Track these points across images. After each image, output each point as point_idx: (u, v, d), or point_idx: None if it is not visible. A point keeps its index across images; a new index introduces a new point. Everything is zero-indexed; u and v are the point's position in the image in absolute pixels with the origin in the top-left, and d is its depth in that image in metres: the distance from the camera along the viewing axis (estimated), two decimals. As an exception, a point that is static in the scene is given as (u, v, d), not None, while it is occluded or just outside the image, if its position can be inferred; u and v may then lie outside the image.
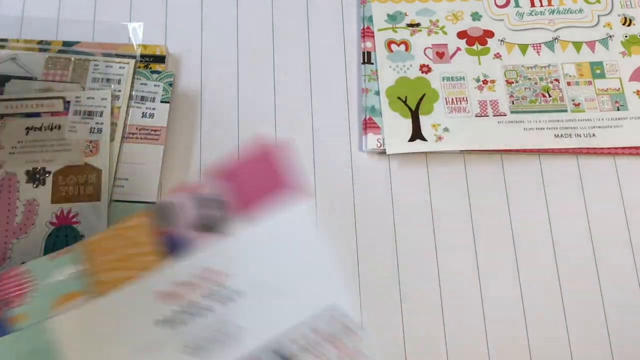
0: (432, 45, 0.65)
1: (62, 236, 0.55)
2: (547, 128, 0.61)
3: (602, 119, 0.61)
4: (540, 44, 0.65)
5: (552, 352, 0.55)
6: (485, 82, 0.63)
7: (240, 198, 0.42)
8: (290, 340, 0.40)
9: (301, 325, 0.40)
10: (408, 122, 0.61)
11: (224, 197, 0.42)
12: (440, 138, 0.60)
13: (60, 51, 0.62)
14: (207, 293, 0.40)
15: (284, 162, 0.43)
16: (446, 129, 0.61)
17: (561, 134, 0.61)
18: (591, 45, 0.65)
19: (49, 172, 0.58)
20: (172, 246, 0.41)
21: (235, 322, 0.40)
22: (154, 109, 0.61)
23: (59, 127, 0.59)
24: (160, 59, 0.63)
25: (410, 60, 0.64)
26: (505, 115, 0.62)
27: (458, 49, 0.65)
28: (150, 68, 0.62)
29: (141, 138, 0.59)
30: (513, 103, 0.62)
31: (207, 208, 0.42)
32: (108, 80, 0.61)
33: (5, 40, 0.63)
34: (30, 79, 0.61)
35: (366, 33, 0.65)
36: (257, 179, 0.42)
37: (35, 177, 0.57)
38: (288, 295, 0.41)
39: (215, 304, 0.40)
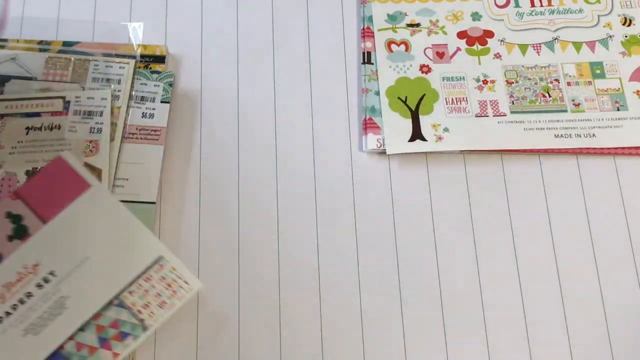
0: (432, 45, 0.65)
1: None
2: (547, 128, 0.61)
3: (602, 119, 0.61)
4: (540, 44, 0.65)
5: (552, 351, 0.55)
6: (485, 82, 0.63)
7: (39, 206, 0.53)
8: (129, 292, 0.51)
9: (136, 279, 0.51)
10: (408, 122, 0.61)
11: (23, 211, 0.53)
12: (440, 138, 0.60)
13: (60, 51, 0.62)
14: (27, 284, 0.51)
15: (67, 170, 0.54)
16: (446, 129, 0.61)
17: (561, 134, 0.61)
18: (591, 45, 0.65)
19: (49, 172, 0.58)
20: None
21: (61, 295, 0.50)
22: (153, 109, 0.61)
23: (59, 127, 0.59)
24: (160, 59, 0.63)
25: (410, 60, 0.64)
26: (505, 115, 0.62)
27: (458, 49, 0.65)
28: (150, 68, 0.62)
29: (141, 138, 0.59)
30: (513, 103, 0.62)
31: (12, 222, 0.53)
32: (108, 80, 0.61)
33: (5, 40, 0.63)
34: (30, 79, 0.61)
35: (366, 33, 0.65)
36: (51, 188, 0.54)
37: (35, 177, 0.57)
38: (109, 261, 0.52)
39: (36, 289, 0.51)
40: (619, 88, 0.63)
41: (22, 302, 0.50)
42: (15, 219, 0.53)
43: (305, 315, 0.55)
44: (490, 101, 0.62)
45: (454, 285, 0.56)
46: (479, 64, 0.64)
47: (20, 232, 0.52)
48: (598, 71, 0.64)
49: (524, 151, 0.61)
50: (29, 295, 0.51)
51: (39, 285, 0.51)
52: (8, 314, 0.50)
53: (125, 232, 0.53)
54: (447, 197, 0.59)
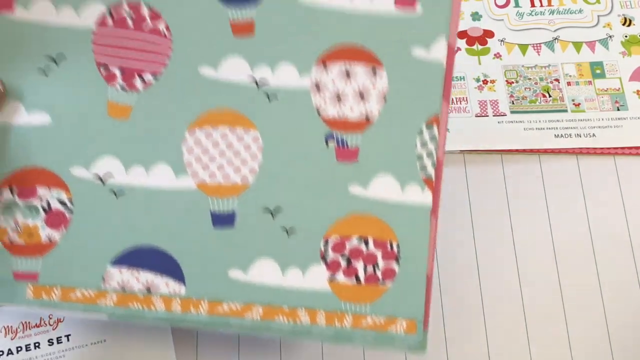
0: (432, 45, 0.65)
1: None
2: (547, 128, 0.61)
3: (602, 119, 0.61)
4: (540, 44, 0.65)
5: (552, 351, 0.55)
6: (485, 82, 0.63)
7: None
8: None
9: None
10: (408, 122, 0.61)
11: None
12: (440, 138, 0.60)
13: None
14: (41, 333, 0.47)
15: None
16: (446, 129, 0.61)
17: (561, 134, 0.61)
18: (591, 45, 0.65)
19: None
20: None
21: None
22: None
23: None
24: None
25: (410, 60, 0.64)
26: (505, 115, 0.62)
27: (458, 49, 0.65)
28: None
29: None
30: (513, 103, 0.62)
31: None
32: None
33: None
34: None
35: (366, 33, 0.65)
36: None
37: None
38: None
39: (46, 344, 0.47)
40: (619, 88, 0.63)
41: (27, 348, 0.47)
42: None
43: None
44: (490, 101, 0.62)
45: (453, 285, 0.56)
46: (479, 63, 0.64)
47: None
48: (598, 71, 0.64)
49: (524, 151, 0.61)
50: (36, 345, 0.47)
51: (50, 342, 0.47)
52: (9, 352, 0.46)
53: None
54: (448, 197, 0.59)
